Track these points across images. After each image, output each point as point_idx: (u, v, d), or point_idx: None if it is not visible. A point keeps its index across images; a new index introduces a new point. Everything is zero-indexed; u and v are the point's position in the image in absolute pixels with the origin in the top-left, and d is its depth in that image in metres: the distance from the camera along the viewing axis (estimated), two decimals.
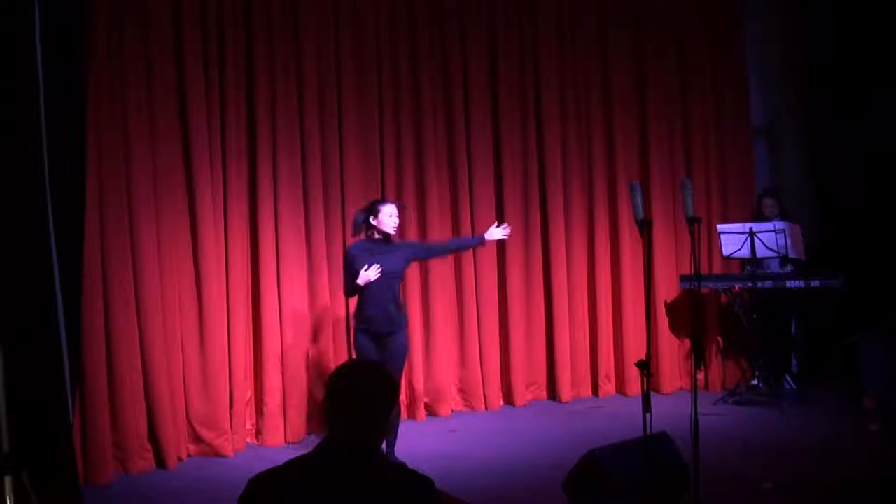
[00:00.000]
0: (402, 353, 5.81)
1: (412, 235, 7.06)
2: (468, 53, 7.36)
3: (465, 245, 6.67)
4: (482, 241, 6.22)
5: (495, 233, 6.13)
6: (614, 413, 7.13)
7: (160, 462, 5.97)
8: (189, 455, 6.22)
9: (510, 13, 7.50)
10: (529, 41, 7.57)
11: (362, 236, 5.81)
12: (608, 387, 7.77)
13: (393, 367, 5.60)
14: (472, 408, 7.37)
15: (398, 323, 5.74)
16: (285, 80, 6.62)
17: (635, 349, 7.60)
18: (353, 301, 6.37)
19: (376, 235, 5.75)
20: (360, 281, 5.61)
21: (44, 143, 4.92)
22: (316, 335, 6.75)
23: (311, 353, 6.73)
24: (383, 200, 5.99)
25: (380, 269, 5.60)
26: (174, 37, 6.19)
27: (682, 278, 7.62)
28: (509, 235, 6.30)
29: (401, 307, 5.81)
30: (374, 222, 5.72)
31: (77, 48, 5.23)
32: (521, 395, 7.51)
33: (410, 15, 7.16)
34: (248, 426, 6.57)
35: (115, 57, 5.87)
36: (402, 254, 5.83)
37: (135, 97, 5.96)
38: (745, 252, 7.11)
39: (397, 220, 5.78)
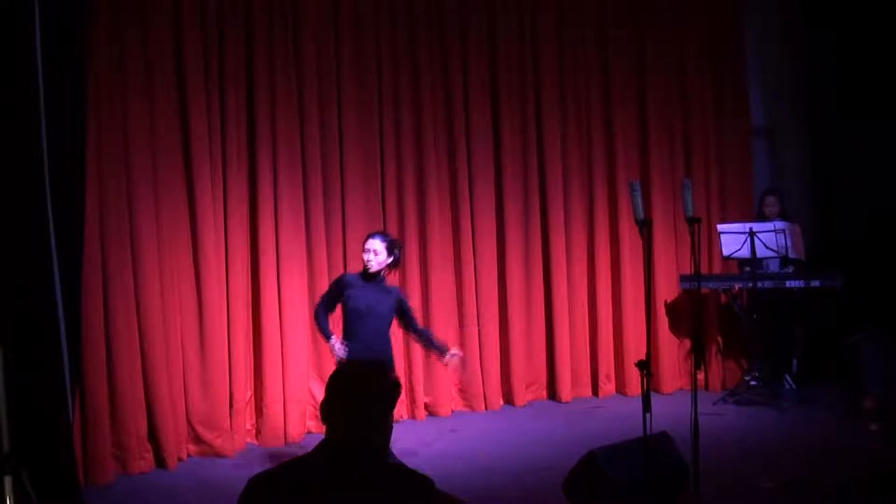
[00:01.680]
0: None
1: (412, 234, 7.07)
2: (468, 53, 7.36)
3: (431, 344, 5.64)
4: (444, 352, 5.51)
5: (451, 360, 5.50)
6: (614, 413, 7.12)
7: (160, 462, 5.97)
8: (189, 455, 6.22)
9: (510, 13, 7.49)
10: (529, 41, 7.56)
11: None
12: (608, 387, 7.77)
13: None
14: (472, 408, 7.36)
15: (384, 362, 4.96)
16: (285, 80, 6.62)
17: (635, 349, 7.60)
18: None
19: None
20: (332, 350, 5.28)
21: (44, 143, 4.93)
22: (316, 335, 6.73)
23: (310, 353, 6.73)
24: (371, 235, 5.47)
25: (345, 351, 5.16)
26: (174, 37, 6.19)
27: (682, 278, 7.62)
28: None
29: (387, 348, 5.34)
30: None
31: (77, 48, 5.24)
32: (521, 395, 7.51)
33: (410, 15, 7.16)
34: (248, 426, 6.57)
35: (115, 57, 5.87)
36: (393, 300, 5.39)
37: (135, 97, 5.96)
38: (745, 252, 7.10)
39: (369, 259, 5.30)
